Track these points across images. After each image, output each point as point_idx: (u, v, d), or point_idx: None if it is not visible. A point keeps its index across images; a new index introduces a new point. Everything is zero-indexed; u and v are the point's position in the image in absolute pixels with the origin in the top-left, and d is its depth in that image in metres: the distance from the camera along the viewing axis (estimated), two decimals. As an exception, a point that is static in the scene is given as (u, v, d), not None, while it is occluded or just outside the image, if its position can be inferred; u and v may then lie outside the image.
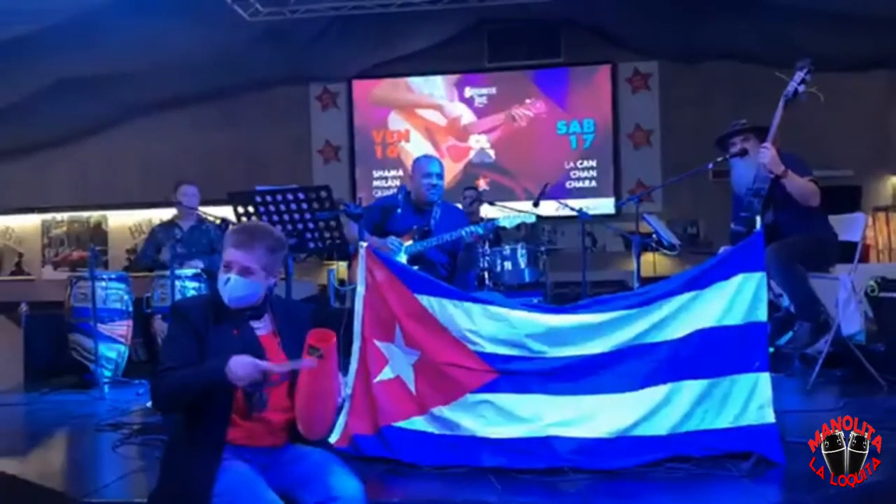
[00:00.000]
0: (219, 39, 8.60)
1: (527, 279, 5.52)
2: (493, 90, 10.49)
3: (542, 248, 5.98)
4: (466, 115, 10.54)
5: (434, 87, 10.59)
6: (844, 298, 4.29)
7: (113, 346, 5.16)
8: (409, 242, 4.43)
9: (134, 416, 4.12)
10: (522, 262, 5.46)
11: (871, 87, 9.66)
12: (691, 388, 2.90)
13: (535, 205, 5.27)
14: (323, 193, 3.77)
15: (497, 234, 5.86)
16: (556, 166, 10.23)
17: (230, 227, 3.63)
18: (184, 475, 2.20)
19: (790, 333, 4.30)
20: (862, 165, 9.65)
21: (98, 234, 10.88)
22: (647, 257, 8.39)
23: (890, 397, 3.96)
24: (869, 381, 4.14)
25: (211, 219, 5.21)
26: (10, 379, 5.27)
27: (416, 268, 4.03)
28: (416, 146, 10.40)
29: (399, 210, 4.53)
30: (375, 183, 10.62)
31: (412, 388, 3.04)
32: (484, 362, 2.96)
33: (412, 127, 10.64)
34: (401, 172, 10.41)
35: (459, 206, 5.97)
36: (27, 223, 11.00)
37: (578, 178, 10.30)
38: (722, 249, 4.00)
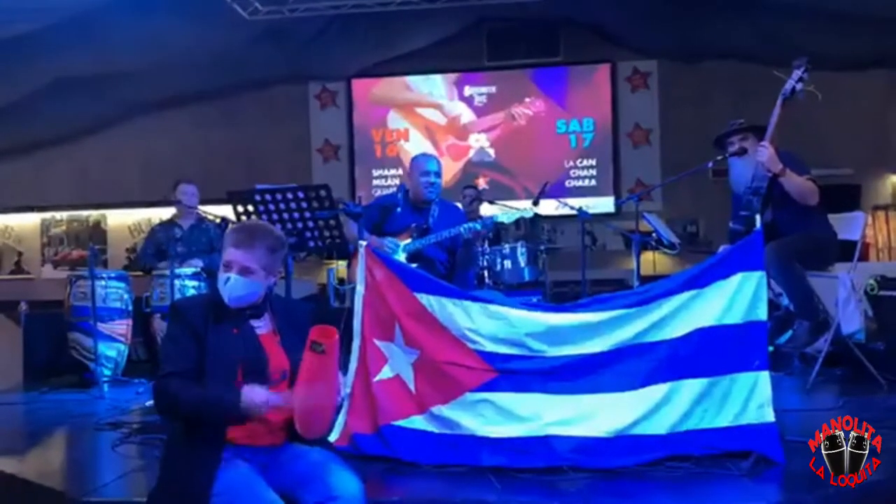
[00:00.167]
0: (218, 38, 8.60)
1: (526, 278, 5.52)
2: (493, 89, 10.48)
3: (542, 247, 5.98)
4: (466, 114, 10.53)
5: (433, 86, 10.58)
6: (844, 297, 4.29)
7: (112, 344, 5.17)
8: (408, 241, 4.43)
9: (133, 415, 4.13)
10: (522, 261, 5.46)
11: (870, 86, 9.66)
12: (691, 387, 2.90)
13: (535, 203, 5.27)
14: (322, 192, 3.76)
15: (497, 233, 5.85)
16: (555, 165, 10.22)
17: (230, 226, 3.64)
18: (183, 474, 2.20)
19: (790, 332, 4.30)
20: (861, 164, 9.65)
21: (97, 233, 10.87)
22: (647, 256, 8.38)
23: (890, 396, 3.96)
24: (869, 380, 4.14)
25: (211, 218, 5.21)
26: (10, 378, 5.27)
27: (414, 265, 4.03)
28: (415, 145, 10.38)
29: (399, 209, 4.53)
30: (375, 182, 10.61)
31: (412, 387, 3.04)
32: (483, 361, 2.95)
33: (412, 126, 10.63)
34: (400, 171, 10.40)
35: (459, 205, 5.96)
36: (27, 222, 10.99)
37: (578, 177, 10.30)
38: (721, 248, 4.00)
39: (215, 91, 10.16)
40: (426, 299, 3.03)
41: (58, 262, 10.79)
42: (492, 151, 10.49)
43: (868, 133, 9.64)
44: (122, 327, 5.23)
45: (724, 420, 2.88)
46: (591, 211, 4.98)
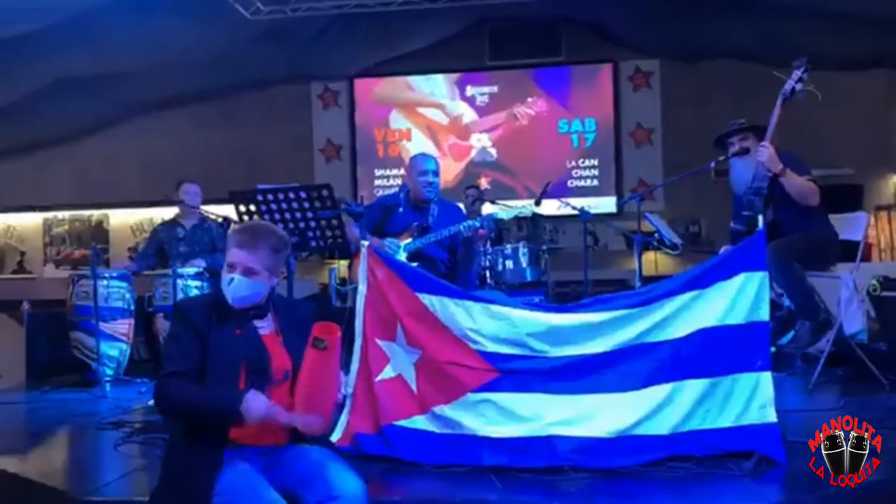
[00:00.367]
0: (220, 38, 8.59)
1: (528, 278, 5.52)
2: (495, 89, 10.48)
3: (544, 247, 5.98)
4: (468, 114, 10.53)
5: (435, 86, 10.58)
6: (846, 297, 4.29)
7: (115, 344, 5.17)
8: (409, 240, 4.43)
9: (135, 414, 4.13)
10: (524, 261, 5.46)
11: (870, 86, 9.65)
12: (693, 388, 2.89)
13: (537, 203, 5.26)
14: (324, 192, 3.77)
15: (499, 234, 5.85)
16: (557, 165, 10.22)
17: (233, 226, 3.64)
18: (185, 474, 2.20)
19: (792, 333, 4.30)
20: (863, 164, 9.64)
21: (99, 232, 10.88)
22: (649, 256, 8.38)
23: (892, 396, 3.96)
24: (871, 381, 4.14)
25: (213, 217, 5.22)
26: (12, 377, 5.28)
27: (415, 265, 4.03)
28: (417, 145, 10.38)
29: (401, 209, 4.54)
30: (377, 182, 10.62)
31: (413, 386, 3.04)
32: (485, 361, 2.96)
33: (414, 126, 10.64)
34: (402, 171, 10.37)
35: (461, 204, 5.96)
36: (28, 222, 11.00)
37: (580, 177, 10.29)
38: (723, 248, 4.00)
39: (216, 91, 10.16)
40: (428, 299, 3.03)
41: (60, 262, 10.80)
42: (494, 151, 10.49)
43: (868, 133, 9.63)
44: (124, 327, 5.24)
45: (726, 420, 2.88)
46: (593, 211, 4.98)
